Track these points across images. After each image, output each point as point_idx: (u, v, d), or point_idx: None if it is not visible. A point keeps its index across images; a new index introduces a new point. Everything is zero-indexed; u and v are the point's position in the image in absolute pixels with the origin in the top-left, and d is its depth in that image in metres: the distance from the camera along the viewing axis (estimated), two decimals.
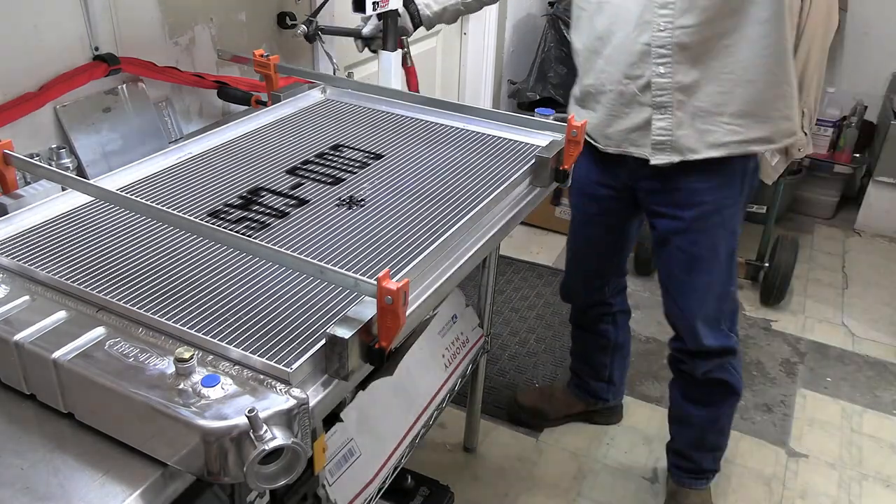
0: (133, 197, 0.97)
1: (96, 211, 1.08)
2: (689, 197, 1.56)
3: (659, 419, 2.14)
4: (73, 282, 0.90)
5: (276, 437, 0.70)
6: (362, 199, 1.15)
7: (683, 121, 1.48)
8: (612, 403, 2.14)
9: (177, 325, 0.82)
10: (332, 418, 1.22)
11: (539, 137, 1.38)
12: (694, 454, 1.83)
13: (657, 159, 1.52)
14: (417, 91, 1.86)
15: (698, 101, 1.47)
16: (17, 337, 0.80)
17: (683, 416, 1.80)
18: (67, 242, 1.00)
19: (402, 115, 1.49)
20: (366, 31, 1.71)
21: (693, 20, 1.39)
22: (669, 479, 1.90)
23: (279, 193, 1.16)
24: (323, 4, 1.82)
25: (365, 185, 1.20)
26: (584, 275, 1.92)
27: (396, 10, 1.97)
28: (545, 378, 2.30)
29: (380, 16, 1.96)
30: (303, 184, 1.19)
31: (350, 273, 0.81)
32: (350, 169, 1.25)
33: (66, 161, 1.37)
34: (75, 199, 1.10)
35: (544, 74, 3.15)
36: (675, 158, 1.51)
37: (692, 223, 1.57)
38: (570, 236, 1.92)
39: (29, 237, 1.01)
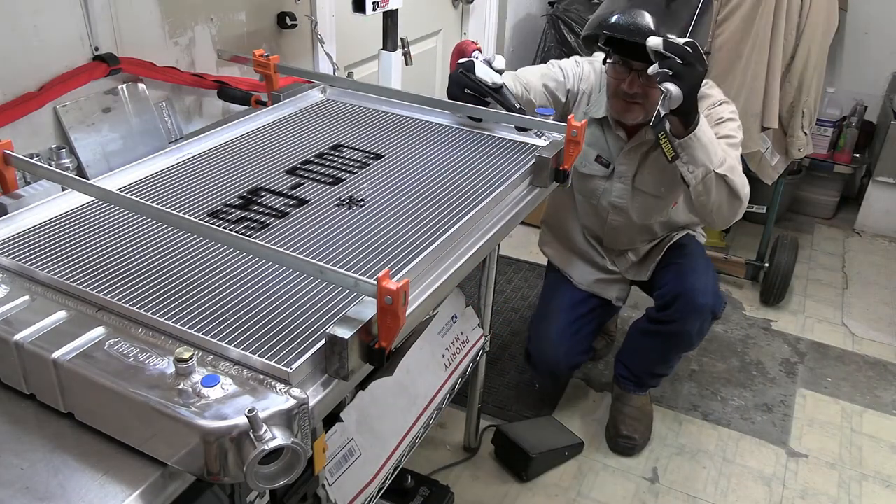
0: (133, 197, 0.97)
1: (96, 211, 1.08)
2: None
3: (659, 418, 2.15)
4: (73, 282, 0.90)
5: (276, 437, 0.70)
6: (362, 199, 1.15)
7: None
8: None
9: (177, 325, 0.82)
10: (332, 418, 1.22)
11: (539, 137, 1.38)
12: (642, 376, 2.06)
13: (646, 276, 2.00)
14: None
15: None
16: (17, 337, 0.80)
17: (641, 349, 2.02)
18: (67, 242, 1.00)
19: (402, 115, 1.49)
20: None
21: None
22: (615, 384, 2.14)
23: (279, 193, 1.16)
24: None
25: (365, 185, 1.20)
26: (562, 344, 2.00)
27: (396, 9, 1.97)
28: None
29: (385, 14, 1.96)
30: (303, 184, 1.19)
31: (350, 273, 0.81)
32: (350, 169, 1.25)
33: (66, 161, 1.37)
34: (75, 199, 1.10)
35: None
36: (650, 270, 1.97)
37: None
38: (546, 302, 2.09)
39: (29, 237, 1.01)
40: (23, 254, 0.96)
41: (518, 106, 1.41)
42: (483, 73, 1.40)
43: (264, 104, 1.55)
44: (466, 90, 1.42)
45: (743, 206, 1.63)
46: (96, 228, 1.04)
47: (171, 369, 0.76)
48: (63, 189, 1.09)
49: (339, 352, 0.77)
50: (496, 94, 1.41)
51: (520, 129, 1.39)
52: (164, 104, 1.66)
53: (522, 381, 2.29)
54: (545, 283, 2.18)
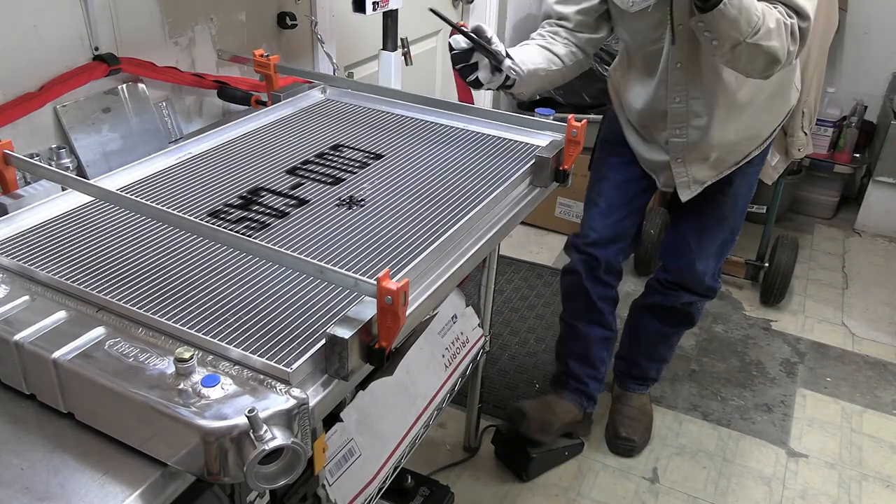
0: (133, 197, 0.97)
1: (96, 211, 1.08)
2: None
3: (659, 419, 2.15)
4: (73, 282, 0.90)
5: (276, 437, 0.70)
6: (362, 199, 1.15)
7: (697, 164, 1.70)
8: (594, 409, 2.07)
9: (177, 325, 0.82)
10: (332, 418, 1.22)
11: (539, 137, 1.38)
12: (644, 363, 2.06)
13: (684, 195, 1.74)
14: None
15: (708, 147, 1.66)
16: (17, 337, 0.80)
17: (643, 330, 2.02)
18: (67, 242, 1.00)
19: (402, 115, 1.49)
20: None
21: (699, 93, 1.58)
22: (615, 384, 2.15)
23: (279, 193, 1.16)
24: None
25: (365, 185, 1.20)
26: (609, 218, 1.86)
27: (396, 9, 1.97)
28: (546, 378, 2.30)
29: (385, 14, 1.96)
30: (303, 184, 1.19)
31: (350, 273, 0.81)
32: (350, 169, 1.25)
33: (66, 161, 1.37)
34: (75, 199, 1.10)
35: None
36: (698, 189, 1.73)
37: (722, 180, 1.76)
38: (596, 183, 1.88)
39: (29, 237, 1.01)
40: (23, 254, 0.96)
41: (505, 54, 1.37)
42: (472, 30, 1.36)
43: (264, 104, 1.55)
44: (463, 43, 1.37)
45: (783, 64, 1.40)
46: (96, 228, 1.04)
47: (171, 369, 0.76)
48: (63, 189, 1.09)
49: (339, 352, 0.77)
50: (487, 43, 1.36)
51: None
52: (164, 104, 1.66)
53: (522, 380, 2.29)
54: (595, 153, 1.91)
